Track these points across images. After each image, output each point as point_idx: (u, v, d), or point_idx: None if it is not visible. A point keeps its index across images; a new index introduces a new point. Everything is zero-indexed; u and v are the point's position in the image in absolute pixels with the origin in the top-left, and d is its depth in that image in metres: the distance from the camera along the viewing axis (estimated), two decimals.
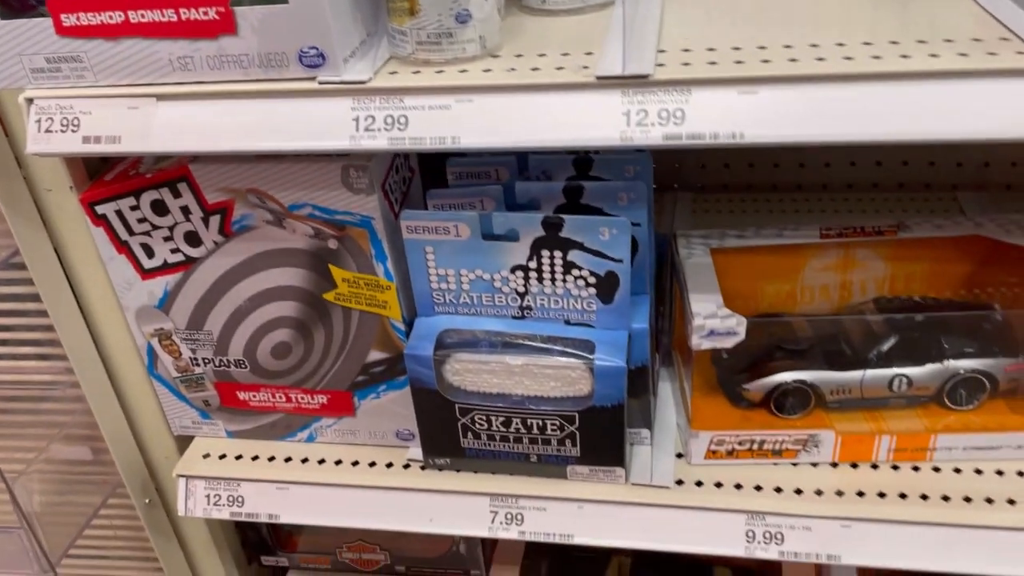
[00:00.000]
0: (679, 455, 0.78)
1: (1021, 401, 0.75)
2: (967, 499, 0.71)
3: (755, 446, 0.75)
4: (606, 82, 0.56)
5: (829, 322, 0.79)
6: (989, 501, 0.70)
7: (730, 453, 0.76)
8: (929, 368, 0.74)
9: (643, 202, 0.70)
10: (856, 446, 0.74)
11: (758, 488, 0.74)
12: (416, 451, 0.81)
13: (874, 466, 0.75)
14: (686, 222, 1.07)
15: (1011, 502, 0.70)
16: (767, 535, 0.72)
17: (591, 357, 0.70)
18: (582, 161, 0.75)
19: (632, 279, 0.73)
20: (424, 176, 0.79)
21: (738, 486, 0.74)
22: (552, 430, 0.73)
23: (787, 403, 0.76)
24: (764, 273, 0.83)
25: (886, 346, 0.75)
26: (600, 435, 0.73)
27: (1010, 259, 0.77)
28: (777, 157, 1.16)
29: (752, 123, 0.55)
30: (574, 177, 0.75)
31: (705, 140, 0.55)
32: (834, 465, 0.75)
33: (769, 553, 0.72)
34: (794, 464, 0.76)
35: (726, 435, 0.75)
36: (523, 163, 0.77)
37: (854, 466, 0.75)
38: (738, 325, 0.70)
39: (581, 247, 0.68)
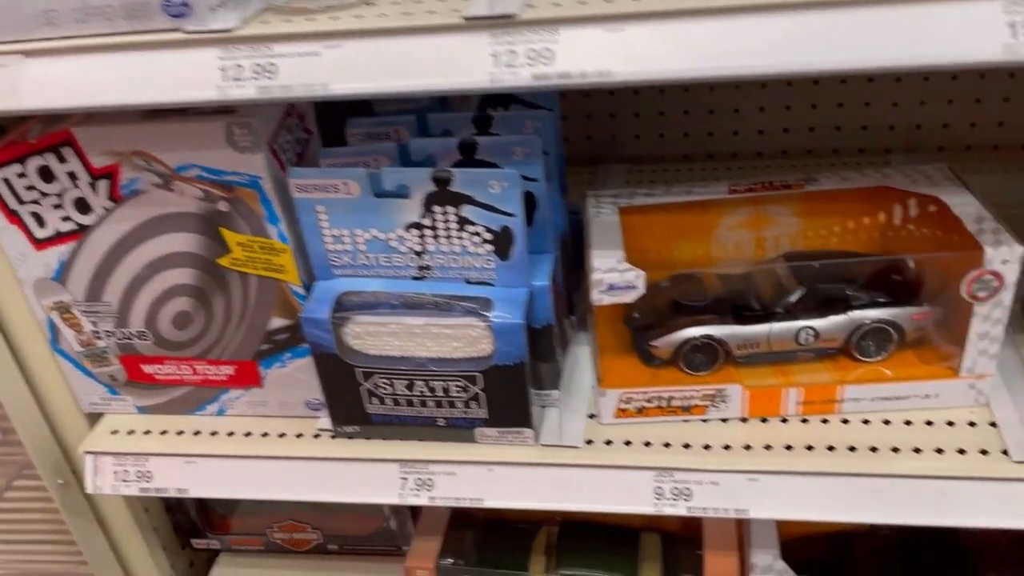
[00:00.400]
0: (592, 416, 0.77)
1: (929, 350, 0.74)
2: (873, 449, 0.70)
3: (664, 403, 0.74)
4: (474, 23, 0.55)
5: (737, 277, 0.78)
6: (895, 450, 0.69)
7: (640, 411, 0.75)
8: (835, 320, 0.73)
9: (538, 156, 0.69)
10: (764, 400, 0.73)
11: (667, 445, 0.73)
12: (326, 421, 0.79)
13: (783, 420, 0.74)
14: None
15: (917, 451, 0.69)
16: (675, 491, 0.71)
17: (488, 315, 0.69)
18: (482, 119, 0.74)
19: (534, 237, 0.72)
20: (326, 140, 0.78)
21: (647, 444, 0.73)
22: (457, 392, 0.72)
23: (695, 359, 0.75)
24: (678, 233, 0.82)
25: (793, 298, 0.74)
26: (505, 395, 0.72)
27: (916, 208, 0.76)
28: (711, 126, 1.16)
29: (620, 60, 0.54)
30: (475, 135, 0.74)
31: (574, 79, 0.54)
32: (744, 420, 0.74)
33: (678, 509, 0.71)
34: (704, 420, 0.75)
35: (634, 392, 0.74)
36: (423, 123, 0.76)
37: (764, 421, 0.74)
38: (636, 279, 0.69)
39: (472, 201, 0.67)
